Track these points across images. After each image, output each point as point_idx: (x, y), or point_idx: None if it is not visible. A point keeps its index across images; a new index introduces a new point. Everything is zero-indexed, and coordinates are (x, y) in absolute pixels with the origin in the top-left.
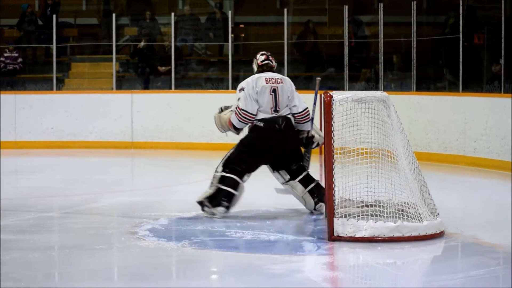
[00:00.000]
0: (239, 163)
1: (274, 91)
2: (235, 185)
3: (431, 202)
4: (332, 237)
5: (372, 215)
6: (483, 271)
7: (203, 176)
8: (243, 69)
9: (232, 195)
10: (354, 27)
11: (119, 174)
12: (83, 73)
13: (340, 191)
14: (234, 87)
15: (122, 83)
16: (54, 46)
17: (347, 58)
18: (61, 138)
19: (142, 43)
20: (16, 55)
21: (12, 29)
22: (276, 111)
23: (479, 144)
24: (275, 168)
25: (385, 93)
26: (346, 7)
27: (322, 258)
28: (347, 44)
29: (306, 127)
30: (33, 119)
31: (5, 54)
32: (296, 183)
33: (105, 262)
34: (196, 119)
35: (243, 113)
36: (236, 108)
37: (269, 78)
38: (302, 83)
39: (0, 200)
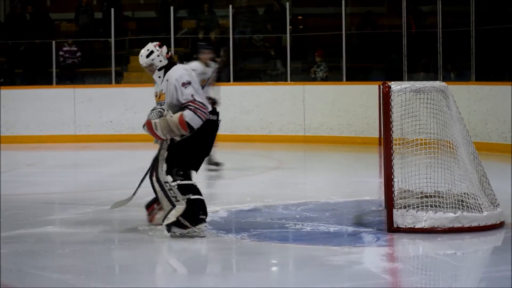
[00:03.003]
0: (185, 165)
1: None
2: (199, 190)
3: (491, 193)
4: (392, 228)
5: (431, 206)
6: None
7: (262, 168)
8: (301, 60)
9: (203, 203)
10: (413, 17)
11: None
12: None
13: (400, 182)
14: (293, 79)
15: None
16: (112, 39)
17: (405, 49)
18: (120, 131)
19: (213, 35)
20: (75, 49)
21: (70, 23)
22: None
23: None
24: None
25: (443, 83)
26: None
27: (381, 249)
28: (405, 34)
29: None
30: (92, 112)
31: (64, 48)
32: None
33: (165, 255)
34: (255, 112)
35: (203, 108)
36: (192, 103)
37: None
38: (361, 74)
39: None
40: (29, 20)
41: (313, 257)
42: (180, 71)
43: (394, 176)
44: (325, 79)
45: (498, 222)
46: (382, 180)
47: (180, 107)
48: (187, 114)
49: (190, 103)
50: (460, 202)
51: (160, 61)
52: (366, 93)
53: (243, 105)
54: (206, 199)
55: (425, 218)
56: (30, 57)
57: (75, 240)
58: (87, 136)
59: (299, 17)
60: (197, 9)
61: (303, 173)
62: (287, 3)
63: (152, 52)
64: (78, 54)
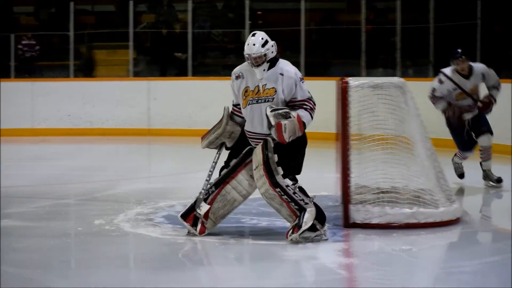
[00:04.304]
0: (294, 168)
1: None
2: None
3: (447, 189)
4: (348, 224)
5: (388, 202)
6: (499, 258)
7: (221, 163)
8: None
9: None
10: (373, 14)
11: (135, 161)
12: (100, 61)
13: (356, 177)
14: None
15: (139, 70)
16: (71, 33)
17: (364, 45)
18: (78, 125)
19: (165, 30)
20: (33, 42)
21: (29, 16)
22: None
23: (496, 131)
24: None
25: (401, 79)
26: None
27: (337, 244)
28: (364, 30)
29: None
30: (50, 106)
31: (23, 42)
32: None
33: (121, 249)
34: (213, 106)
35: (315, 108)
36: (308, 103)
37: None
38: (320, 69)
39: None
40: None
41: (269, 252)
42: (292, 65)
43: (350, 171)
44: None
45: (454, 218)
46: (339, 175)
47: (287, 104)
48: (304, 115)
49: (306, 102)
50: (417, 198)
51: (272, 52)
52: (325, 88)
53: (202, 100)
54: (162, 194)
55: (381, 214)
56: None
57: (32, 234)
58: (45, 130)
59: (258, 12)
60: (156, 3)
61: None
62: None
63: (267, 41)
64: (37, 47)
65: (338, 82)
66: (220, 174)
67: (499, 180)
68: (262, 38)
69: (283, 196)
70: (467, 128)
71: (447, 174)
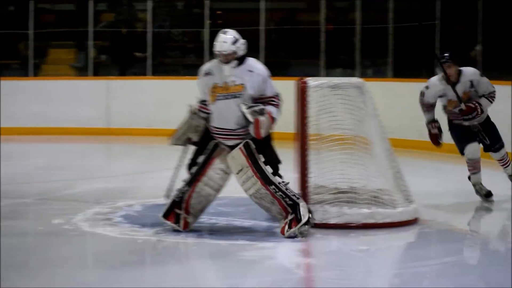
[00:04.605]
0: (275, 164)
1: None
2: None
3: (405, 189)
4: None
5: (346, 202)
6: (456, 258)
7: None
8: None
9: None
10: (333, 14)
11: (95, 160)
12: (60, 59)
13: (315, 177)
14: None
15: (99, 69)
16: (31, 32)
17: (323, 45)
18: (37, 124)
19: (125, 29)
20: None
21: None
22: None
23: None
24: None
25: (360, 80)
26: None
27: (295, 244)
28: (323, 30)
29: None
30: (8, 105)
31: None
32: None
33: (80, 249)
34: (173, 106)
35: (281, 104)
36: (276, 99)
37: None
38: (279, 69)
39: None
40: None
41: (227, 252)
42: (260, 63)
43: (309, 171)
44: None
45: (412, 219)
46: (298, 175)
47: (255, 100)
48: (274, 111)
49: (274, 98)
50: (375, 198)
51: (242, 50)
52: (284, 88)
53: (161, 99)
54: (121, 193)
55: (339, 214)
56: None
57: None
58: (3, 129)
59: (218, 12)
60: (116, 3)
61: None
62: None
63: (237, 40)
64: None
65: (297, 82)
66: (188, 172)
67: (488, 195)
68: (233, 36)
69: (277, 193)
70: (480, 135)
71: (405, 175)
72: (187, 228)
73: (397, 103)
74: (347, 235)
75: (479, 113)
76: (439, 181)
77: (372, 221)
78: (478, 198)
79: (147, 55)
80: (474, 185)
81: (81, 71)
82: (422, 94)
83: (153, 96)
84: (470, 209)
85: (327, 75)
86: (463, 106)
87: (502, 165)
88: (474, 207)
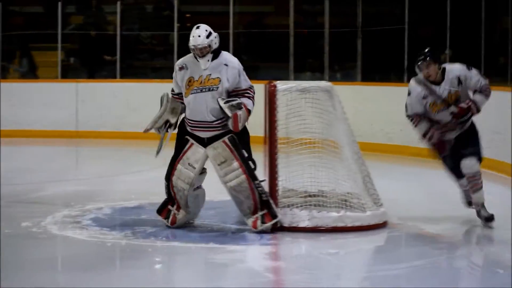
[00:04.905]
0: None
1: None
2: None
3: (374, 193)
4: (275, 227)
5: (315, 205)
6: (425, 261)
7: (148, 165)
8: None
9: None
10: (302, 17)
11: (63, 163)
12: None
13: (284, 181)
14: None
15: (67, 72)
16: None
17: (292, 48)
18: (5, 126)
19: (94, 32)
20: None
21: None
22: None
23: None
24: None
25: (329, 83)
26: None
27: (264, 248)
28: (292, 34)
29: None
30: None
31: None
32: None
33: (48, 252)
34: (142, 109)
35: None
36: (250, 91)
37: None
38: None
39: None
40: None
41: (196, 255)
42: (234, 57)
43: (278, 175)
44: None
45: (381, 222)
46: (267, 179)
47: (230, 93)
48: (248, 103)
49: (248, 91)
50: (344, 202)
51: (216, 43)
52: None
53: (130, 102)
54: (90, 196)
55: (309, 217)
56: None
57: None
58: None
59: (187, 15)
60: (85, 5)
61: None
62: (175, 1)
63: (211, 33)
64: None
65: (266, 85)
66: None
67: (489, 219)
68: (206, 30)
69: (258, 188)
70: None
71: (374, 178)
72: (174, 224)
73: (366, 106)
74: (316, 238)
75: (475, 112)
76: (408, 185)
77: (341, 224)
78: (447, 203)
79: (116, 58)
80: (475, 205)
81: (24, 76)
82: (406, 106)
83: (122, 99)
84: (439, 212)
85: (296, 78)
86: (453, 108)
87: (472, 187)
88: (442, 211)
